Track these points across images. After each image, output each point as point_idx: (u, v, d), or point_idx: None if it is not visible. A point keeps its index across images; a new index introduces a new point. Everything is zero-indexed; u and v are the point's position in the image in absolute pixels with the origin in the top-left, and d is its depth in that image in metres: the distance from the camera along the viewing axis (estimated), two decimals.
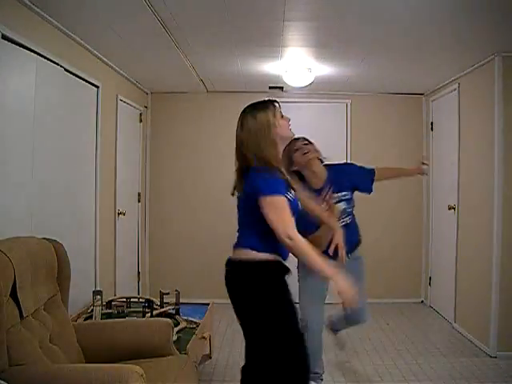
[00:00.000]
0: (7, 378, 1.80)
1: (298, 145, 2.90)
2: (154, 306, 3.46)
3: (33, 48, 2.85)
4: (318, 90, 5.32)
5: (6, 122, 2.63)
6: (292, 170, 2.85)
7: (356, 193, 3.05)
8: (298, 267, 2.94)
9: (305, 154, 2.89)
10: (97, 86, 3.93)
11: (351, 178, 3.00)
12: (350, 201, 2.97)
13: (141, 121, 5.31)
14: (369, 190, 3.11)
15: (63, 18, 3.06)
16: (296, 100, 5.46)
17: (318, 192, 2.74)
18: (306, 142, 2.94)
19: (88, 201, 3.89)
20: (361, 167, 3.13)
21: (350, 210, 2.99)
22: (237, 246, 2.31)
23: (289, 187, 2.26)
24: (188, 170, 5.57)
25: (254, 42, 3.63)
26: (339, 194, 2.88)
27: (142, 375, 1.85)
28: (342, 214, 2.90)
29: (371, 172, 3.12)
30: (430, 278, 5.32)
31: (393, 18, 3.01)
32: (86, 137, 3.85)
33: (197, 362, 3.11)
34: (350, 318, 3.17)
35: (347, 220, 2.98)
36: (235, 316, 2.27)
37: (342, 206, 2.89)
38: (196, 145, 5.57)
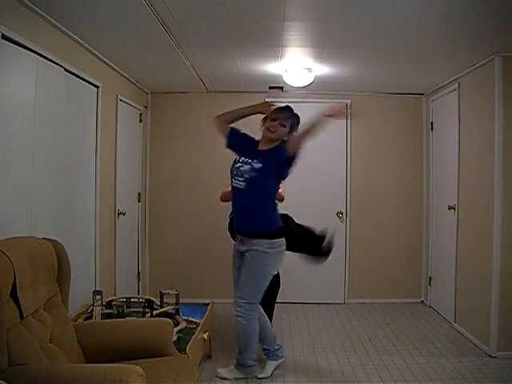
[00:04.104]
0: (7, 377, 1.80)
1: (272, 118, 3.24)
2: (154, 306, 3.46)
3: (33, 48, 2.85)
4: (318, 90, 5.32)
5: (6, 121, 2.63)
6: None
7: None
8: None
9: (270, 130, 3.23)
10: (97, 86, 3.94)
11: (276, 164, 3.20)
12: (254, 171, 3.16)
13: (141, 121, 5.32)
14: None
15: (63, 18, 3.06)
16: (296, 100, 5.45)
17: (258, 153, 3.22)
18: (280, 121, 3.21)
19: (88, 201, 3.89)
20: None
21: (247, 176, 3.17)
22: None
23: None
24: (188, 170, 5.57)
25: (254, 41, 3.63)
26: (251, 161, 3.20)
27: (141, 375, 1.85)
28: (239, 173, 3.21)
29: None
30: (430, 278, 5.32)
31: (393, 18, 3.01)
32: (86, 137, 3.85)
33: (197, 362, 3.12)
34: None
35: (240, 183, 3.19)
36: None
37: (245, 167, 3.21)
38: (196, 144, 5.57)
